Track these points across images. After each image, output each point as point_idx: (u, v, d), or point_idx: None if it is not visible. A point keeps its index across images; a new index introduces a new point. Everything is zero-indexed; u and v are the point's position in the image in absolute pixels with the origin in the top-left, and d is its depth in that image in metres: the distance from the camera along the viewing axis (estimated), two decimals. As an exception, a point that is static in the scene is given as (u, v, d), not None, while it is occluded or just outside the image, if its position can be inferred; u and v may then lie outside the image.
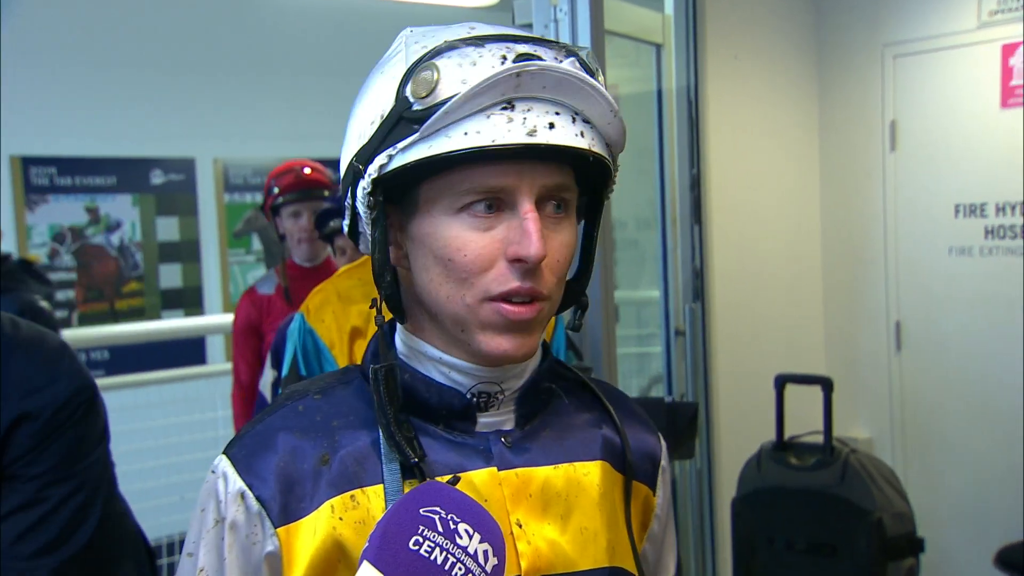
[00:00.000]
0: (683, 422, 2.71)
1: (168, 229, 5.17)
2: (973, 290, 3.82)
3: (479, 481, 0.97)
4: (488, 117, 0.87)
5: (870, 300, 4.13)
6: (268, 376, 2.69)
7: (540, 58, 0.89)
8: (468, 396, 0.98)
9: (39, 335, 1.50)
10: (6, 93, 4.50)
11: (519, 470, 0.98)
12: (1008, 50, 3.64)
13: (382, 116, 0.91)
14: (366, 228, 0.96)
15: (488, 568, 0.84)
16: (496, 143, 0.87)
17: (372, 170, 0.91)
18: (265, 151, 5.44)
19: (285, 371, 1.80)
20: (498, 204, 0.91)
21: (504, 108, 0.88)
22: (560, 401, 1.06)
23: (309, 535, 0.93)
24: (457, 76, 0.87)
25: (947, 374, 3.93)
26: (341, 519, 0.93)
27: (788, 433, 3.30)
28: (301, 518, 0.93)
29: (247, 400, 3.35)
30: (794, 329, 4.05)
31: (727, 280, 3.64)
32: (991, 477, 3.80)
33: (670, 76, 3.48)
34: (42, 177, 4.80)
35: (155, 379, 4.48)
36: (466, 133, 0.87)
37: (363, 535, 0.91)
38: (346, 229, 1.02)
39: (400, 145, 0.89)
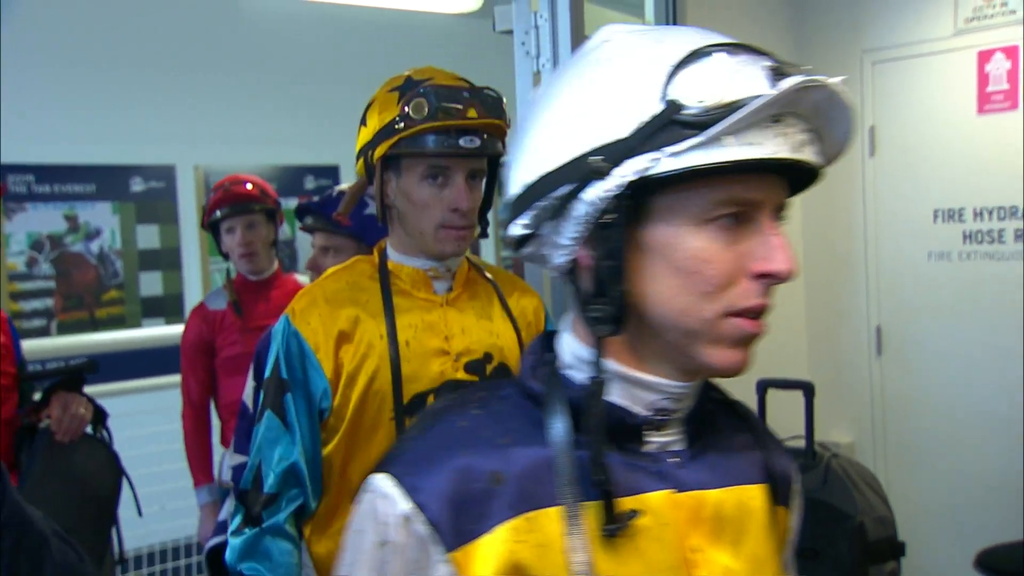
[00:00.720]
0: None
1: (148, 237, 5.17)
2: (952, 294, 3.88)
3: (656, 503, 0.93)
4: (764, 129, 0.86)
5: (851, 305, 4.18)
6: (250, 386, 2.70)
7: (810, 73, 0.87)
8: (645, 412, 0.96)
9: None
10: None
11: (693, 492, 0.96)
12: (984, 56, 3.72)
13: (642, 118, 0.86)
14: (577, 232, 0.91)
15: None
16: (774, 156, 0.86)
17: (627, 172, 0.86)
18: (246, 158, 5.42)
19: (267, 372, 1.77)
20: (742, 217, 0.89)
21: (774, 121, 0.87)
22: (717, 421, 1.04)
23: (487, 558, 0.89)
24: (735, 83, 0.85)
25: (928, 378, 3.98)
26: (520, 541, 0.90)
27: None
28: (476, 539, 0.89)
29: (198, 419, 3.36)
30: (776, 333, 3.89)
31: None
32: (972, 480, 3.85)
33: None
34: (20, 185, 4.80)
35: (135, 388, 4.49)
36: (750, 143, 0.85)
37: (543, 558, 0.89)
38: (519, 231, 0.96)
39: (671, 149, 0.85)
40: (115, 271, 5.11)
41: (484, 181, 1.86)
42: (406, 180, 1.77)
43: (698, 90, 0.85)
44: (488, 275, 1.97)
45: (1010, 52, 3.65)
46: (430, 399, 1.78)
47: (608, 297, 0.89)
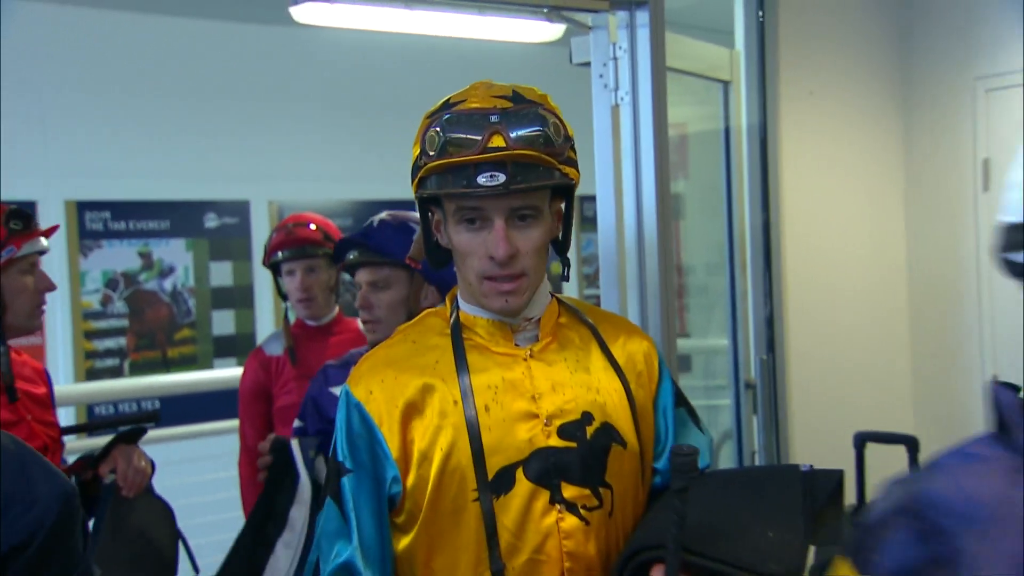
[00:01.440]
0: (823, 496, 2.36)
1: (222, 274, 5.25)
2: (1076, 342, 3.68)
3: None
4: None
5: (963, 352, 4.02)
6: (296, 425, 2.68)
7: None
8: None
9: None
10: (59, 135, 4.63)
11: None
12: (1111, 82, 3.54)
13: None
14: None
15: None
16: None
17: None
18: (321, 193, 5.50)
19: (331, 450, 1.64)
20: None
21: None
22: None
23: None
24: None
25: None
26: None
27: (871, 496, 3.20)
28: None
29: (255, 466, 3.22)
30: (878, 383, 3.96)
31: (803, 329, 3.59)
32: None
33: (739, 114, 3.48)
34: (96, 222, 4.92)
35: (208, 431, 4.50)
36: None
37: None
38: None
39: None
40: (188, 309, 5.21)
41: (551, 213, 1.64)
42: (448, 222, 1.61)
43: None
44: (586, 318, 1.75)
45: None
46: (519, 473, 1.59)
47: None
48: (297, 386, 3.22)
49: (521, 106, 1.56)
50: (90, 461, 2.58)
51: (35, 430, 2.50)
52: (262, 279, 5.33)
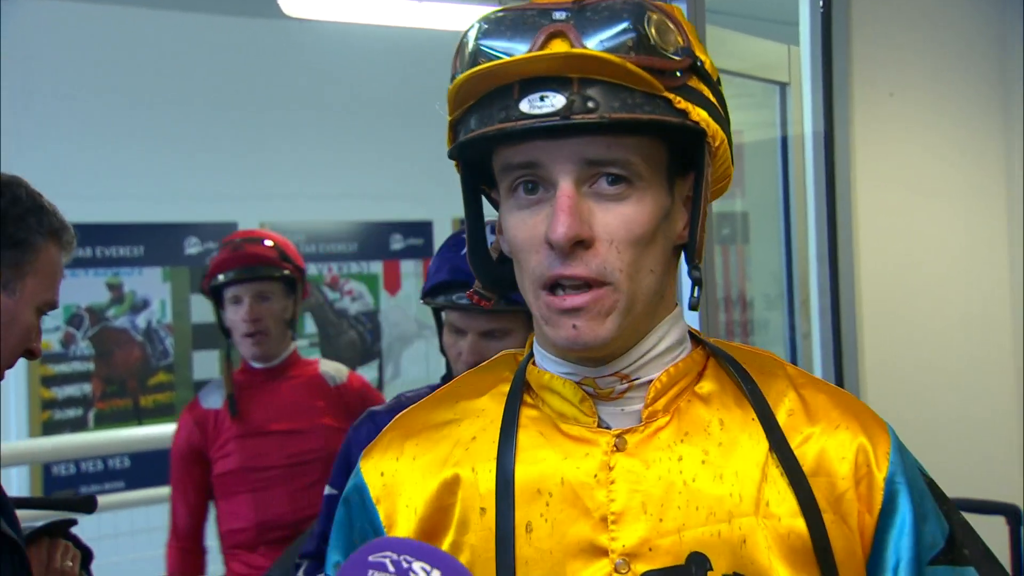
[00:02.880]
0: None
1: (204, 308, 5.09)
2: None
3: None
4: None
5: None
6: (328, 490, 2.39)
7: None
8: None
9: None
10: (9, 146, 4.56)
11: None
12: None
13: None
14: None
15: None
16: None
17: None
18: (320, 213, 5.52)
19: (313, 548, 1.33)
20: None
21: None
22: None
23: None
24: None
25: None
26: None
27: None
28: None
29: (185, 551, 3.07)
30: (977, 438, 3.80)
31: (882, 378, 3.49)
32: None
33: (799, 121, 3.45)
34: (58, 249, 4.90)
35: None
36: None
37: None
38: None
39: None
40: (164, 350, 5.18)
41: (670, 191, 1.10)
42: (503, 207, 1.13)
43: None
44: (751, 380, 1.16)
45: None
46: None
47: None
48: (239, 447, 2.97)
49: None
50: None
51: None
52: None
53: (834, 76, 3.45)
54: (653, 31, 1.02)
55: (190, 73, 5.18)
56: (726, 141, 1.08)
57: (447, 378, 2.17)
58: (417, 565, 0.90)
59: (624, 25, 1.01)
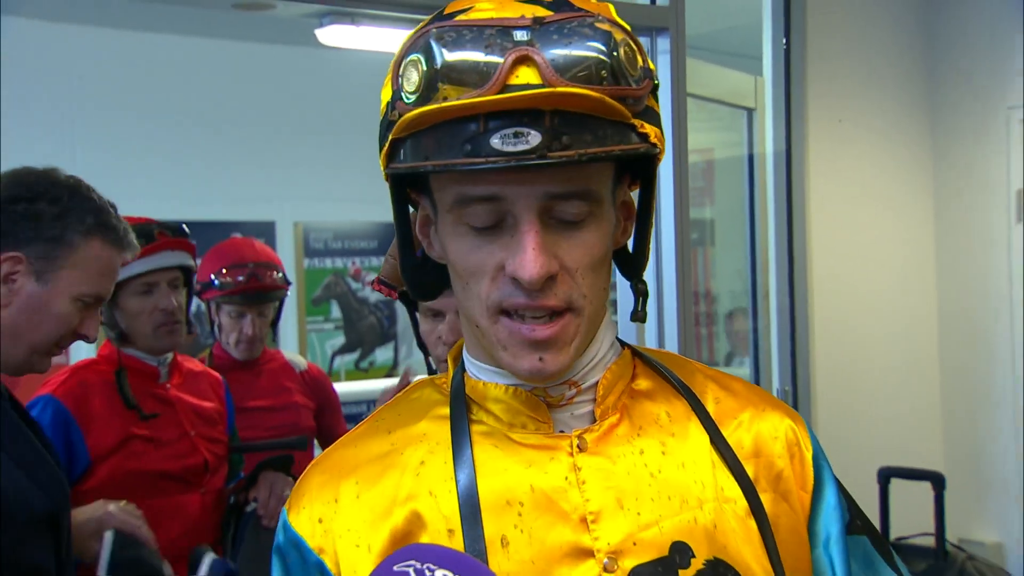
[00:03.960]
0: None
1: None
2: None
3: None
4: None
5: (994, 387, 4.04)
6: None
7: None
8: None
9: None
10: (87, 157, 4.72)
11: None
12: None
13: None
14: None
15: None
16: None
17: None
18: (346, 214, 5.58)
19: None
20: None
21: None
22: None
23: None
24: None
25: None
26: None
27: (896, 534, 3.23)
28: None
29: None
30: (906, 418, 3.97)
31: (828, 361, 3.61)
32: None
33: (763, 141, 3.54)
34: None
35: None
36: None
37: None
38: None
39: None
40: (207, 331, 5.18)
41: (616, 203, 1.02)
42: (441, 221, 1.00)
43: None
44: (678, 379, 1.10)
45: None
46: None
47: None
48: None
49: (567, 15, 0.93)
50: (244, 484, 2.58)
51: (198, 445, 2.50)
52: (286, 300, 5.37)
53: (792, 104, 3.56)
54: (622, 57, 0.92)
55: (243, 95, 5.29)
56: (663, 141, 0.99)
57: (430, 372, 1.94)
58: (440, 573, 0.85)
59: (593, 53, 0.90)
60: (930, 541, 3.12)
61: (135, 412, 2.39)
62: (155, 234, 2.45)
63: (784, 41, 3.60)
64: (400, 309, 5.57)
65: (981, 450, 4.06)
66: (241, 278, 2.98)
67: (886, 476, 3.25)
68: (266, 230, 5.37)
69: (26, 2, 4.44)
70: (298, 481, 1.07)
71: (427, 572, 0.85)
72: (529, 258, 0.91)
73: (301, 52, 4.90)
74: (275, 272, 3.06)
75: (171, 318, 2.45)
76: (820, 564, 1.06)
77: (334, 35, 3.62)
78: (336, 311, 5.65)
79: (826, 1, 3.77)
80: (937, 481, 3.13)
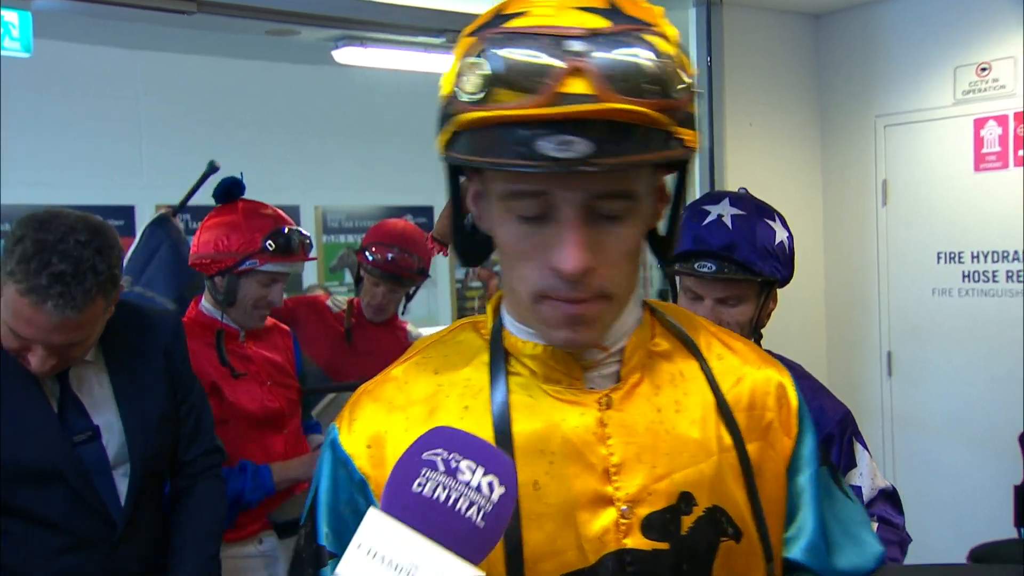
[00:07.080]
0: None
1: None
2: (952, 326, 3.98)
3: None
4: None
5: (866, 334, 4.25)
6: None
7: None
8: None
9: None
10: (155, 155, 4.89)
11: None
12: (979, 123, 3.85)
13: None
14: None
15: (495, 497, 0.78)
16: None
17: None
18: (357, 199, 5.77)
19: (303, 516, 0.99)
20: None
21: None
22: None
23: None
24: None
25: (931, 396, 4.07)
26: None
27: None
28: None
29: None
30: (798, 359, 4.03)
31: None
32: (969, 484, 3.89)
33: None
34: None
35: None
36: None
37: None
38: None
39: None
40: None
41: (652, 194, 0.95)
42: (491, 203, 0.94)
43: None
44: (689, 337, 1.04)
45: (1001, 120, 3.78)
46: None
47: None
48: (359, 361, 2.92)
49: (621, 27, 0.85)
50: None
51: (275, 392, 2.46)
52: (309, 269, 5.45)
53: (714, 108, 3.74)
54: (669, 70, 0.84)
55: (274, 105, 5.41)
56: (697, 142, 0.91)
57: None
58: (464, 464, 0.78)
59: (643, 66, 0.83)
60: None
61: (227, 368, 2.35)
62: (297, 246, 2.42)
63: (708, 58, 3.80)
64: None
65: (856, 382, 4.25)
66: (386, 257, 2.93)
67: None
68: (292, 212, 5.50)
69: (96, 31, 4.51)
70: (350, 403, 1.01)
71: (453, 463, 0.78)
72: (571, 253, 0.86)
73: (320, 70, 5.00)
74: (415, 261, 2.96)
75: (269, 308, 2.46)
76: (792, 495, 1.03)
77: (348, 55, 3.82)
78: (348, 277, 5.78)
79: (740, 26, 3.91)
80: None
